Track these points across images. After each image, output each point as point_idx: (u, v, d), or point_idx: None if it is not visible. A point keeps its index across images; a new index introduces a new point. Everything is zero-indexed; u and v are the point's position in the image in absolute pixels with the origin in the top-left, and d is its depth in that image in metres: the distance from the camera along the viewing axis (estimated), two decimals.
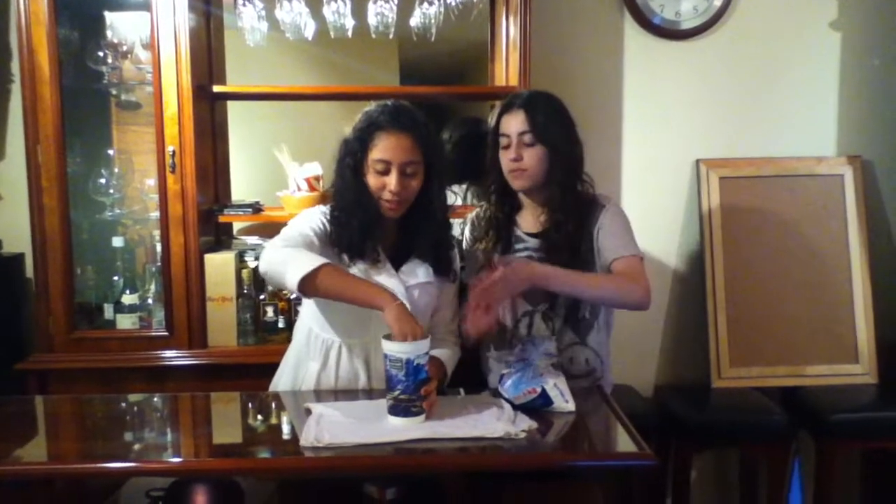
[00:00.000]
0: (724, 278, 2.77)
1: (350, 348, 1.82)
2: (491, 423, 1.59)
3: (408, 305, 1.65)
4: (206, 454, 1.66)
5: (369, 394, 1.79)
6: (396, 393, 1.55)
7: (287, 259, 1.61)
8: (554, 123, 1.83)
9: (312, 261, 1.59)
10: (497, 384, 1.78)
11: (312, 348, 1.86)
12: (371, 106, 1.79)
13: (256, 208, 2.51)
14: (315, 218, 1.78)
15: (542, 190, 1.87)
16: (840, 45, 2.81)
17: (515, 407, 1.68)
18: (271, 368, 2.01)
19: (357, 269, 1.76)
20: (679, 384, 2.90)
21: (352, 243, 1.75)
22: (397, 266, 1.80)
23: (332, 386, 1.84)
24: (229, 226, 2.67)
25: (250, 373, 2.27)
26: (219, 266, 2.37)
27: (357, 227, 1.73)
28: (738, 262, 2.78)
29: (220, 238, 2.63)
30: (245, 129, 2.75)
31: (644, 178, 2.85)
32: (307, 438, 1.49)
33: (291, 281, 1.59)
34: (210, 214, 2.47)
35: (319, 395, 1.82)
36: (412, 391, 1.54)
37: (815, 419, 2.60)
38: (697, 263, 2.84)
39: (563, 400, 1.70)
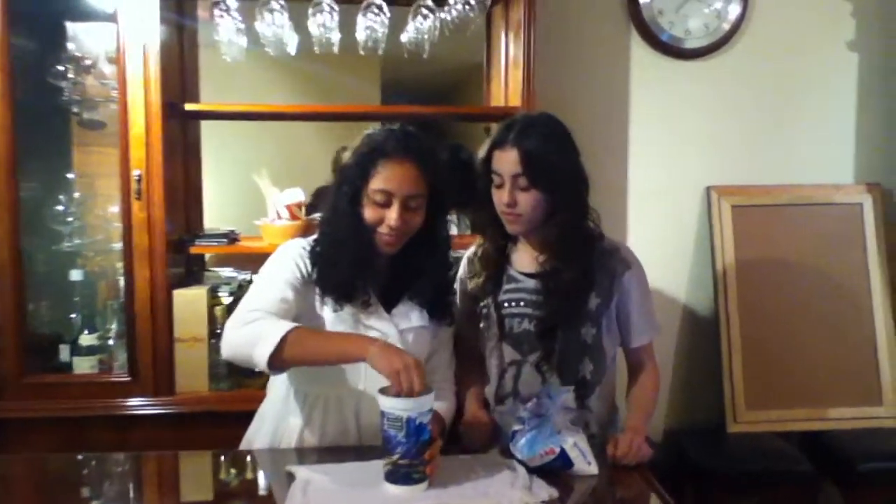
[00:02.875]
0: (739, 313, 2.59)
1: (339, 400, 1.58)
2: (504, 490, 1.37)
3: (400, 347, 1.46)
4: None
5: (360, 453, 1.55)
6: (395, 457, 1.32)
7: (249, 339, 1.41)
8: (553, 162, 1.57)
9: (276, 331, 1.39)
10: (508, 442, 1.55)
11: (293, 404, 1.62)
12: (374, 129, 1.57)
13: (232, 238, 2.30)
14: (291, 259, 1.56)
15: (539, 230, 1.64)
16: (857, 66, 2.67)
17: (531, 470, 1.46)
18: (247, 416, 1.77)
19: (344, 314, 1.53)
20: (692, 428, 2.71)
21: (340, 283, 1.52)
22: (388, 307, 1.58)
23: (316, 443, 1.60)
24: (201, 257, 2.48)
25: (224, 421, 1.98)
26: (189, 302, 2.16)
27: (348, 265, 1.51)
28: (753, 295, 2.60)
29: (192, 270, 2.42)
30: (220, 151, 2.56)
31: (651, 204, 2.66)
32: None
33: (260, 363, 1.40)
34: (180, 245, 2.26)
35: (302, 454, 1.58)
36: (414, 455, 1.32)
37: (841, 467, 2.41)
38: (709, 297, 2.65)
39: (584, 461, 1.48)
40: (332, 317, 1.54)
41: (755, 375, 2.57)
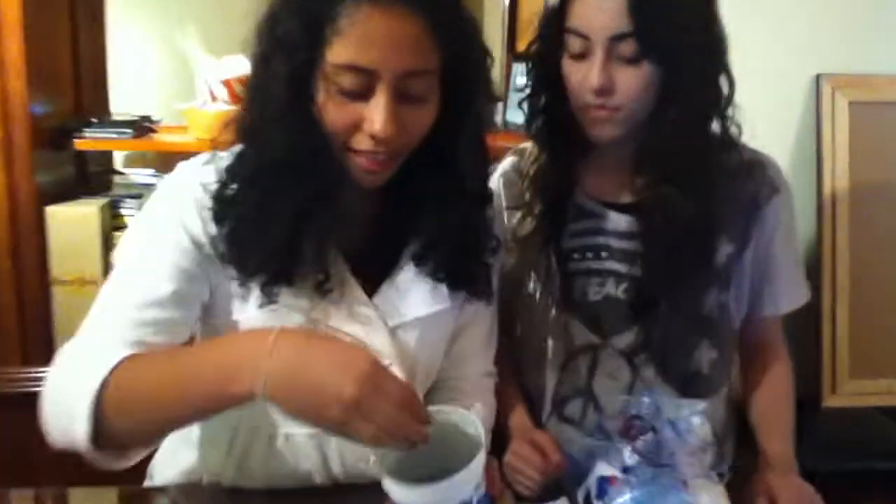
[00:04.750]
0: (850, 247, 2.05)
1: (288, 438, 0.92)
2: None
3: (391, 363, 0.85)
4: None
5: (328, 494, 0.94)
6: None
7: (61, 402, 0.78)
8: (681, 14, 1.00)
9: (89, 379, 0.76)
10: (590, 494, 0.94)
11: (217, 435, 0.96)
12: None
13: (141, 127, 1.74)
14: (177, 213, 0.85)
15: (639, 135, 1.05)
16: None
17: None
18: None
19: (283, 312, 0.86)
20: None
21: (274, 252, 0.83)
22: (369, 288, 0.92)
23: (258, 483, 0.95)
24: (106, 159, 1.92)
25: None
26: (73, 224, 1.59)
27: (289, 218, 0.83)
28: (869, 224, 2.07)
29: (87, 176, 1.84)
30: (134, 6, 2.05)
31: (741, 98, 1.99)
32: None
33: (82, 444, 0.76)
34: (60, 137, 1.67)
35: (240, 496, 0.94)
36: None
37: None
38: (809, 224, 2.10)
39: None
40: (260, 318, 0.86)
41: (864, 334, 2.06)
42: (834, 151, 2.04)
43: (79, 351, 0.79)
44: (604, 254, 1.08)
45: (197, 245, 0.83)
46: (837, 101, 2.05)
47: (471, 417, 0.73)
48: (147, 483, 1.03)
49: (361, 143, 0.80)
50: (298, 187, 0.81)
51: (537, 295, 1.08)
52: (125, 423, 0.75)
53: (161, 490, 1.00)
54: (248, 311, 0.85)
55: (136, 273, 0.83)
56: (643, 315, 1.06)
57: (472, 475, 0.67)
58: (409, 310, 0.91)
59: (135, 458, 0.79)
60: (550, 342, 1.09)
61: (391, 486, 0.68)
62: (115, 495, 1.01)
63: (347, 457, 0.92)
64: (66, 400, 0.75)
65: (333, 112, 0.79)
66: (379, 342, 0.88)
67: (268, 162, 0.82)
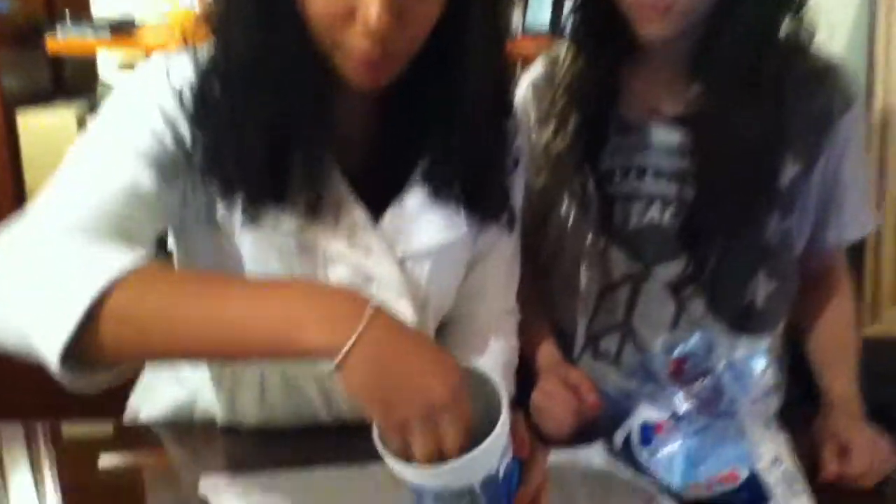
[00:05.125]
0: None
1: (287, 382, 0.83)
2: None
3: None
4: None
5: (333, 433, 0.84)
6: None
7: (27, 300, 0.58)
8: None
9: (90, 279, 0.56)
10: (631, 440, 0.82)
11: (207, 382, 0.85)
12: None
13: (122, 28, 1.57)
14: (145, 113, 0.70)
15: (692, 36, 0.90)
16: None
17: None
18: None
19: (274, 237, 0.74)
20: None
21: (261, 167, 0.70)
22: (374, 212, 0.79)
23: (255, 423, 0.85)
24: (89, 64, 1.76)
25: None
26: (49, 132, 1.48)
27: (273, 126, 0.69)
28: None
29: (64, 82, 1.70)
30: None
31: None
32: None
33: (49, 361, 0.55)
34: (32, 36, 1.55)
35: (231, 440, 0.84)
36: None
37: None
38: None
39: (791, 491, 0.77)
40: (245, 240, 0.74)
41: None
42: (887, 59, 1.84)
43: (33, 240, 0.61)
44: (649, 174, 0.94)
45: (165, 149, 0.69)
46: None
47: (487, 373, 0.58)
48: (128, 418, 0.92)
49: (354, 39, 0.65)
50: (277, 92, 0.67)
51: (571, 220, 0.95)
52: (120, 344, 0.56)
53: (147, 428, 0.89)
54: (230, 230, 0.72)
55: (90, 168, 0.67)
56: (693, 243, 0.92)
57: (496, 445, 0.54)
58: (420, 239, 0.78)
59: (102, 384, 0.62)
60: (585, 272, 0.97)
61: (400, 468, 0.54)
62: (98, 431, 0.91)
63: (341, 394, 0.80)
64: (34, 301, 0.58)
65: (321, 4, 0.64)
66: (385, 273, 0.75)
67: (239, 62, 0.67)
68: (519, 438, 0.57)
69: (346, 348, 0.52)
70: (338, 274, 0.74)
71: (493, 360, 0.85)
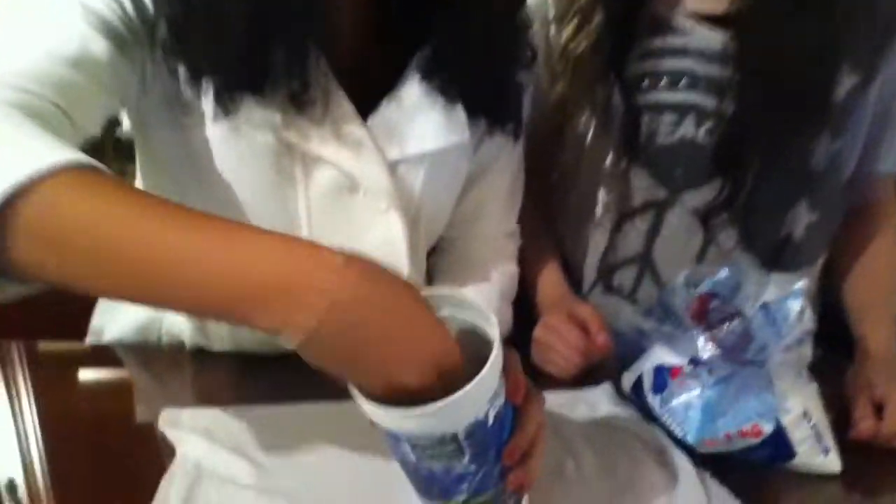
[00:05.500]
0: None
1: None
2: None
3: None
4: None
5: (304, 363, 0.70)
6: (462, 499, 0.49)
7: None
8: None
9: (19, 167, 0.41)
10: (642, 383, 0.73)
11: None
12: None
13: None
14: None
15: None
16: None
17: (702, 460, 0.65)
18: None
19: (247, 128, 0.61)
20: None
21: (238, 51, 0.58)
22: (363, 108, 0.66)
23: (224, 345, 0.75)
24: None
25: None
26: None
27: (251, 5, 0.56)
28: None
29: None
30: None
31: None
32: None
33: None
34: None
35: (200, 367, 0.74)
36: (496, 481, 0.49)
37: None
38: None
39: (818, 448, 0.68)
40: (215, 135, 0.62)
41: None
42: None
43: None
44: (684, 82, 0.80)
45: (124, 14, 0.56)
46: None
47: (478, 303, 0.49)
48: (91, 339, 0.82)
49: None
50: None
51: (590, 134, 0.83)
52: (43, 258, 0.42)
53: (109, 349, 0.80)
54: (197, 121, 0.61)
55: (31, 20, 0.55)
56: (729, 164, 0.80)
57: (483, 387, 0.45)
58: (416, 141, 0.67)
59: (11, 295, 0.50)
60: (602, 195, 0.85)
61: (372, 410, 0.45)
62: (61, 352, 0.80)
63: None
64: None
65: None
66: (374, 178, 0.64)
67: None
68: (513, 380, 0.47)
69: (303, 337, 0.41)
70: (320, 178, 0.63)
71: (489, 287, 0.76)
